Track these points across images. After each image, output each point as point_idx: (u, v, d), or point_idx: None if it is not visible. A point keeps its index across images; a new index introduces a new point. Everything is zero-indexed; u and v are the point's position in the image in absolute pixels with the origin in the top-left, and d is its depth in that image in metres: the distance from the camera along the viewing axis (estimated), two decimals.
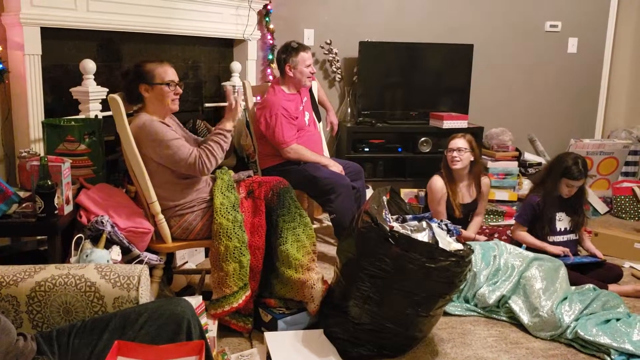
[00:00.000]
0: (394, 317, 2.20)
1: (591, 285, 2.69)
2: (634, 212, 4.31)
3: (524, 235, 3.11)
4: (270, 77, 4.18)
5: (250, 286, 2.37)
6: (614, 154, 4.65)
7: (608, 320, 2.43)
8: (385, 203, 2.49)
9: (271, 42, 4.19)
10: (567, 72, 4.93)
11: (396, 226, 2.32)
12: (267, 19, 4.16)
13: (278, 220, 2.42)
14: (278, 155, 3.26)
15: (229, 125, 2.46)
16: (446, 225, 2.43)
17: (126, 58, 3.17)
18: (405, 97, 4.53)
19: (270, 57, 4.19)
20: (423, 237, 2.26)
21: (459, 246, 2.27)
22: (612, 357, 2.25)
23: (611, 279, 2.93)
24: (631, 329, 2.36)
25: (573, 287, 2.66)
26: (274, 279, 2.46)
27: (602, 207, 4.46)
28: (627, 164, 4.85)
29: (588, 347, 2.34)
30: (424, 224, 2.34)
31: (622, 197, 4.31)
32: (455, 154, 3.23)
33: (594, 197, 4.41)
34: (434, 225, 2.36)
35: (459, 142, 3.24)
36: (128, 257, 2.23)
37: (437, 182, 3.27)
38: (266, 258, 2.45)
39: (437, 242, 2.21)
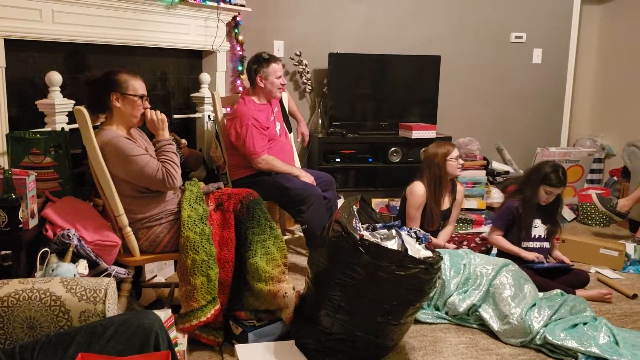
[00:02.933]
0: (365, 326, 2.21)
1: (559, 291, 2.74)
2: (599, 218, 4.41)
3: (499, 239, 3.15)
4: (240, 89, 4.18)
5: (220, 300, 2.35)
6: (580, 162, 4.76)
7: (575, 325, 2.47)
8: (356, 212, 2.50)
9: (240, 53, 4.20)
10: (533, 82, 5.04)
11: (366, 235, 2.33)
12: (236, 30, 4.16)
13: (247, 233, 2.41)
14: (248, 167, 3.25)
15: (166, 134, 2.44)
16: (415, 232, 2.45)
17: (93, 70, 3.13)
18: (375, 108, 4.57)
19: (240, 68, 4.19)
20: (393, 245, 2.28)
21: (428, 253, 2.30)
22: None
23: (578, 284, 2.99)
24: (597, 332, 2.41)
25: (541, 293, 2.71)
26: (246, 291, 2.44)
27: (569, 214, 4.56)
28: (592, 171, 4.97)
29: (556, 351, 2.38)
30: (394, 232, 2.36)
31: (588, 204, 4.41)
32: (461, 160, 3.32)
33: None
34: (403, 233, 2.37)
35: (457, 151, 3.31)
36: (95, 270, 2.20)
37: (419, 188, 3.29)
38: (237, 271, 2.44)
39: (406, 249, 2.23)
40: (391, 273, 2.13)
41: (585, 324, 2.48)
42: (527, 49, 4.97)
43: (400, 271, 2.13)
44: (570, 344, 2.33)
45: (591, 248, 3.53)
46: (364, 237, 2.23)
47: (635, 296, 3.02)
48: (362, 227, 2.46)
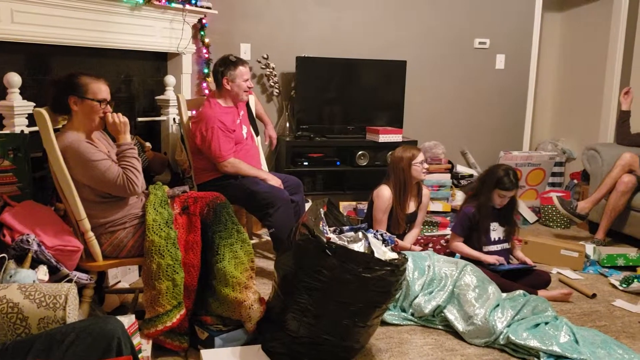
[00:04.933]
0: (332, 329, 2.21)
1: (521, 291, 2.79)
2: (560, 220, 4.51)
3: (460, 245, 3.20)
4: (206, 91, 4.15)
5: (185, 304, 2.32)
6: (541, 165, 4.87)
7: (537, 325, 2.52)
8: (323, 215, 2.51)
9: (207, 56, 4.16)
10: (496, 87, 5.14)
11: (333, 238, 2.34)
12: (202, 32, 4.13)
13: (214, 237, 2.38)
14: (214, 170, 3.23)
15: (128, 137, 2.40)
16: (382, 235, 2.47)
17: (55, 72, 3.07)
18: (343, 112, 4.59)
19: (206, 70, 4.15)
20: (359, 247, 2.29)
21: (394, 255, 2.31)
22: (541, 359, 2.34)
23: (540, 285, 3.06)
24: (558, 331, 2.47)
25: (504, 294, 2.75)
26: (210, 297, 2.41)
27: (531, 217, 4.66)
28: (553, 174, 5.09)
29: (519, 351, 2.42)
30: (360, 234, 2.37)
31: (549, 206, 4.51)
32: (426, 165, 3.34)
33: (523, 207, 4.60)
34: (370, 235, 2.39)
35: (422, 155, 3.34)
36: (56, 276, 2.14)
37: (386, 191, 3.32)
38: (202, 276, 2.41)
39: (372, 252, 2.24)
40: (358, 275, 2.14)
41: (546, 323, 2.53)
42: (491, 55, 5.07)
43: (366, 273, 2.14)
44: (533, 343, 2.38)
45: (552, 249, 3.61)
46: (331, 240, 2.24)
47: (594, 296, 3.10)
48: (329, 230, 2.47)
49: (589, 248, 3.73)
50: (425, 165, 3.37)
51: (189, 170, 3.44)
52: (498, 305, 2.61)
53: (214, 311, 2.40)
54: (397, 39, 4.78)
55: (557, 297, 3.00)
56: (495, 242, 3.18)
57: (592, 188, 4.30)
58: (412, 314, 2.71)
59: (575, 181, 5.00)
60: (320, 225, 2.37)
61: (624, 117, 4.46)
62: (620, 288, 3.22)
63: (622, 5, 4.97)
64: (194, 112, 3.56)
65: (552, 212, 4.50)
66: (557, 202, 4.13)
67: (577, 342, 2.42)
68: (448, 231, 3.96)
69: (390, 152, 3.55)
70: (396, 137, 4.40)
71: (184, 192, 2.57)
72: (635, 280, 3.19)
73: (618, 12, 5.01)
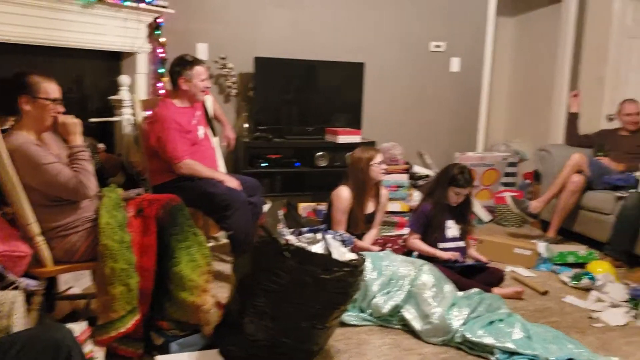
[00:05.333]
0: (291, 332, 2.20)
1: (477, 290, 2.84)
2: (513, 219, 4.62)
3: (417, 242, 3.24)
4: (162, 92, 4.07)
5: (140, 309, 2.26)
6: (495, 165, 4.98)
7: (492, 322, 2.57)
8: (282, 217, 2.50)
9: (162, 55, 4.09)
10: (451, 90, 5.22)
11: (292, 239, 2.33)
12: (157, 32, 4.05)
13: (170, 240, 2.33)
14: (170, 171, 3.16)
15: (79, 139, 2.34)
16: (340, 236, 2.47)
17: (1, 71, 2.95)
18: (302, 113, 4.59)
19: (162, 70, 4.08)
20: (318, 249, 2.29)
21: (353, 256, 2.32)
22: (496, 356, 2.39)
23: (494, 283, 3.12)
24: (512, 328, 2.52)
25: (460, 293, 2.80)
26: (167, 301, 2.35)
27: (485, 216, 4.75)
28: (506, 175, 5.21)
29: (475, 348, 2.46)
30: (319, 236, 2.37)
31: (503, 206, 4.61)
32: (384, 165, 3.36)
33: (478, 207, 4.69)
34: (329, 236, 2.39)
35: (380, 156, 3.36)
36: (2, 283, 2.06)
37: (345, 192, 3.33)
38: (158, 280, 2.36)
39: (331, 253, 2.25)
40: (316, 277, 2.14)
41: (501, 320, 2.58)
42: (446, 58, 5.15)
43: (325, 275, 2.15)
44: (488, 340, 2.42)
45: (506, 248, 3.69)
46: (289, 242, 2.23)
47: (546, 293, 3.18)
48: (288, 231, 2.46)
49: (541, 246, 3.83)
50: (384, 166, 3.40)
51: (144, 171, 3.36)
52: (454, 303, 2.65)
53: (171, 316, 2.35)
54: (356, 41, 4.81)
55: (510, 295, 3.06)
56: (450, 240, 3.23)
57: (544, 188, 4.42)
58: (371, 314, 2.72)
59: (528, 181, 5.13)
60: (279, 227, 2.36)
61: (572, 119, 4.61)
62: (571, 284, 3.32)
63: (570, 11, 5.14)
64: (149, 112, 3.48)
65: (506, 212, 4.61)
66: (511, 202, 4.23)
67: (530, 338, 2.47)
68: (406, 231, 4.00)
69: (349, 153, 3.56)
70: (355, 138, 4.42)
71: (138, 194, 2.52)
72: (585, 276, 3.29)
73: (566, 17, 5.17)
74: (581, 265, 3.56)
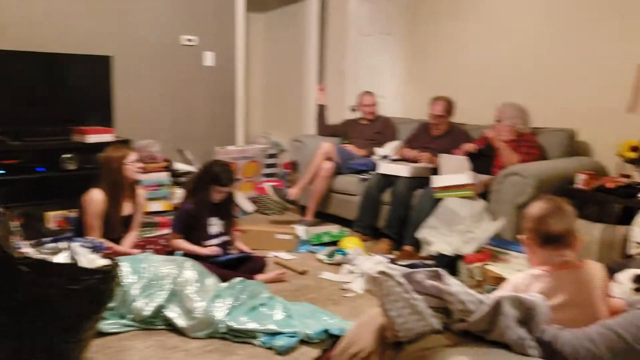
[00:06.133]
0: (39, 350, 1.99)
1: (239, 279, 2.91)
2: (275, 208, 4.84)
3: (180, 242, 3.19)
4: None
5: None
6: (255, 157, 5.16)
7: (254, 307, 2.66)
8: (16, 229, 2.24)
9: None
10: (207, 84, 5.25)
11: (30, 252, 2.11)
12: None
13: None
14: None
15: None
16: (90, 242, 2.32)
17: None
18: (43, 112, 4.16)
19: None
20: (62, 258, 2.11)
21: (104, 262, 2.19)
22: (260, 339, 2.48)
23: (257, 270, 3.23)
24: (273, 310, 2.64)
25: (224, 284, 2.84)
26: None
27: (249, 207, 4.90)
28: (267, 166, 5.44)
29: (240, 335, 2.52)
30: (62, 244, 2.18)
31: (264, 196, 4.80)
32: (140, 164, 3.24)
33: (241, 198, 4.81)
34: (75, 244, 2.22)
35: (135, 154, 3.24)
36: None
37: (97, 195, 3.11)
38: None
39: (78, 261, 2.09)
40: (63, 288, 1.98)
41: (263, 305, 2.69)
42: (199, 52, 5.15)
43: (73, 285, 1.99)
44: (251, 325, 2.50)
45: (268, 235, 3.86)
46: (27, 255, 2.01)
47: (305, 272, 3.41)
48: (26, 244, 2.22)
49: (300, 230, 4.09)
50: (139, 165, 3.27)
51: None
52: (218, 295, 2.67)
53: None
54: (101, 33, 4.53)
55: (273, 279, 3.21)
56: (215, 236, 3.26)
57: (300, 176, 4.71)
58: (133, 319, 2.60)
59: (287, 170, 5.42)
60: (13, 240, 2.11)
61: (321, 111, 5.00)
62: (326, 261, 3.61)
63: (313, 9, 5.55)
64: None
65: (267, 201, 4.81)
66: (271, 191, 4.43)
67: (290, 317, 2.62)
68: (168, 230, 3.92)
69: (100, 154, 3.35)
70: (107, 137, 4.18)
71: None
72: (338, 252, 3.61)
73: (310, 15, 5.57)
74: (335, 243, 3.89)
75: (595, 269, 1.80)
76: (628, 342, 1.22)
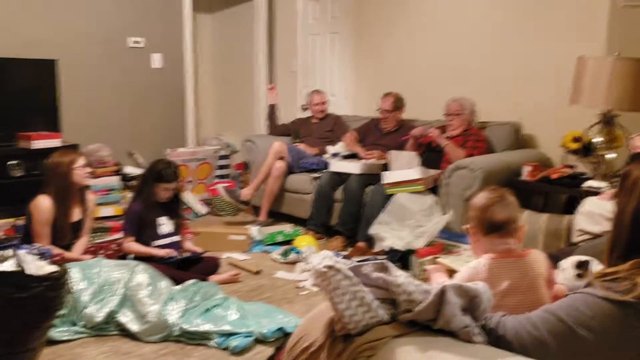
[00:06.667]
0: None
1: (193, 281, 2.89)
2: (228, 209, 4.82)
3: (131, 244, 3.16)
4: None
5: None
6: (207, 159, 5.13)
7: (209, 309, 2.65)
8: None
9: None
10: (155, 86, 5.18)
11: None
12: None
13: None
14: None
15: None
16: (37, 248, 2.27)
17: None
18: None
19: None
20: (8, 266, 2.05)
21: (53, 268, 2.14)
22: (215, 340, 2.47)
23: (210, 271, 3.22)
24: (228, 311, 2.65)
25: (178, 287, 2.82)
26: None
27: (203, 209, 4.86)
28: (220, 167, 5.41)
29: (195, 337, 2.51)
30: (8, 252, 2.12)
31: (217, 197, 4.77)
32: (88, 169, 3.20)
33: (194, 201, 4.77)
34: (22, 251, 2.16)
35: (83, 159, 3.19)
36: None
37: (44, 202, 3.03)
38: None
39: (25, 269, 2.04)
40: (9, 297, 1.94)
41: (217, 306, 2.69)
42: (146, 54, 5.08)
43: (20, 294, 1.95)
44: (205, 327, 2.50)
45: (221, 236, 3.85)
46: None
47: (259, 272, 3.42)
48: None
49: (254, 230, 4.09)
50: (88, 169, 3.21)
51: None
52: (171, 298, 2.65)
53: None
54: (44, 36, 4.41)
55: (227, 280, 3.21)
56: (165, 236, 3.23)
57: (252, 176, 4.71)
58: (84, 326, 2.56)
59: (239, 171, 5.41)
60: None
61: (271, 110, 5.00)
62: (281, 261, 3.62)
63: (261, 9, 5.55)
64: None
65: (221, 202, 4.78)
66: (223, 192, 4.41)
67: (245, 317, 2.62)
68: (121, 235, 3.86)
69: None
70: (54, 142, 4.09)
71: None
72: (292, 251, 3.63)
73: (258, 15, 5.57)
74: (289, 242, 3.90)
75: (539, 257, 1.88)
76: (569, 326, 1.28)
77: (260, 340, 2.49)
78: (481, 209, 1.84)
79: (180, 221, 3.33)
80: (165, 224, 3.24)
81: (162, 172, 3.14)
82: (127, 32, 4.92)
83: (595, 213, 2.73)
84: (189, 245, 3.39)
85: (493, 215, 1.81)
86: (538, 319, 1.34)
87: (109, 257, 3.33)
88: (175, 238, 3.28)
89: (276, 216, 4.54)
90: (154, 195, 3.17)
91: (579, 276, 2.31)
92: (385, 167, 3.91)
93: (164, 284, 2.73)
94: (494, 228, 1.82)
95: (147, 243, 3.18)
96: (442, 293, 1.30)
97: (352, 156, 4.26)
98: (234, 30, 5.92)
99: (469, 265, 1.88)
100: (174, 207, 3.29)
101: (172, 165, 3.20)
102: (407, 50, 4.63)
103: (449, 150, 3.73)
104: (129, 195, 4.35)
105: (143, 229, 3.18)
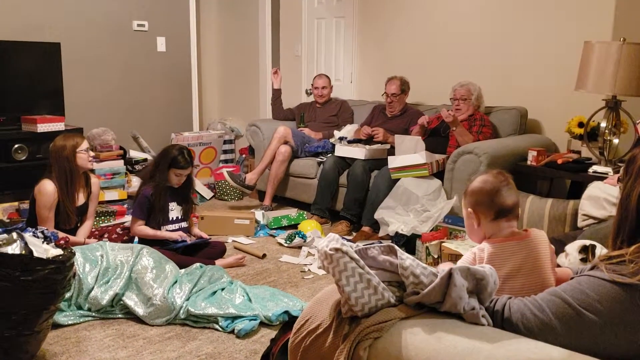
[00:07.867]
0: None
1: (198, 264, 2.90)
2: (233, 193, 4.83)
3: (142, 228, 3.17)
4: None
5: None
6: (212, 143, 5.12)
7: (214, 292, 2.66)
8: None
9: None
10: (160, 70, 5.16)
11: None
12: None
13: None
14: None
15: None
16: (42, 232, 2.26)
17: None
18: None
19: None
20: (14, 249, 2.06)
21: (58, 252, 2.15)
22: (220, 323, 2.48)
23: (217, 255, 3.23)
24: (233, 294, 2.65)
25: (183, 270, 2.82)
26: None
27: (207, 193, 4.87)
28: (224, 152, 5.41)
29: (200, 320, 2.52)
30: (14, 235, 2.13)
31: (222, 181, 4.78)
32: (92, 153, 3.18)
33: (199, 185, 4.77)
34: (27, 234, 2.17)
35: (87, 142, 3.17)
36: None
37: (49, 186, 3.03)
38: None
39: (31, 251, 2.05)
40: (16, 280, 1.95)
41: (222, 289, 2.69)
42: (151, 37, 5.05)
43: (26, 276, 1.96)
44: (211, 310, 2.50)
45: (226, 220, 3.85)
46: None
47: (264, 256, 3.42)
48: None
49: (259, 214, 4.09)
50: (92, 153, 3.21)
51: None
52: (176, 282, 2.66)
53: None
54: (48, 20, 4.39)
55: (232, 263, 3.22)
56: (174, 222, 3.24)
57: (257, 161, 4.70)
58: (89, 309, 2.57)
59: (244, 156, 5.40)
60: None
61: (276, 95, 4.98)
62: (285, 245, 3.63)
63: None
64: None
65: (225, 187, 4.79)
66: (228, 177, 4.40)
67: (250, 300, 2.63)
68: (126, 219, 3.87)
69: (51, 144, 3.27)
70: (58, 126, 4.09)
71: None
72: (297, 236, 3.63)
73: None
74: (294, 226, 3.91)
75: (541, 237, 1.86)
76: (575, 308, 1.27)
77: (266, 324, 2.50)
78: (490, 193, 1.82)
79: (189, 207, 3.33)
80: (174, 210, 3.25)
81: (176, 158, 3.14)
82: (131, 15, 4.89)
83: (600, 197, 2.71)
84: (197, 230, 3.40)
85: (504, 200, 1.79)
86: (544, 301, 1.33)
87: (113, 240, 3.34)
88: (183, 224, 3.29)
89: (281, 200, 4.54)
90: (166, 181, 3.17)
91: (584, 260, 2.30)
92: (390, 152, 3.90)
93: (170, 267, 2.74)
94: (504, 212, 1.80)
95: (156, 227, 3.18)
96: (449, 275, 1.30)
97: (358, 141, 4.24)
98: (239, 15, 5.88)
99: (472, 250, 1.87)
100: (185, 193, 3.29)
101: (186, 151, 3.20)
102: (413, 34, 4.59)
103: (459, 133, 3.67)
104: (133, 179, 4.37)
105: (153, 214, 3.19)
